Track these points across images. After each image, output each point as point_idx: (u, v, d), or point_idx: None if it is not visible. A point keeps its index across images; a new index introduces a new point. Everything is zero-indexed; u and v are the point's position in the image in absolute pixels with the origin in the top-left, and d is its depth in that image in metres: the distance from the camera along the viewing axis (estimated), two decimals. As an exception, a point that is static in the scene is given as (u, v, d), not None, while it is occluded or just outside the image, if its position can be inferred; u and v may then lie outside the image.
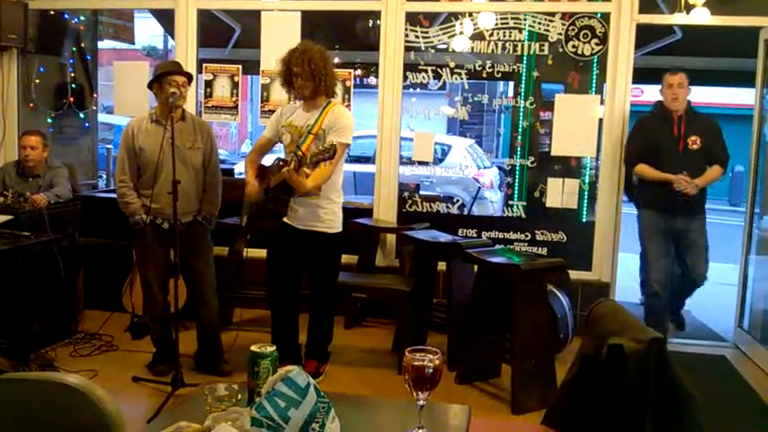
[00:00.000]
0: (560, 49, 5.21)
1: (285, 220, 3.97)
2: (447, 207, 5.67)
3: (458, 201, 5.91)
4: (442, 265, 4.83)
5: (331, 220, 3.98)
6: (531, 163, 5.40)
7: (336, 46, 7.07)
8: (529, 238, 5.39)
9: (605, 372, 2.10)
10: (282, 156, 4.03)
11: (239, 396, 1.71)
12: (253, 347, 1.76)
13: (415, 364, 1.65)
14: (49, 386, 1.66)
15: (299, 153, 3.67)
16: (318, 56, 3.87)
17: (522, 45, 5.27)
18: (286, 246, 4.03)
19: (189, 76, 4.10)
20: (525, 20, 5.24)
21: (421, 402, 1.67)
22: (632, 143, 4.86)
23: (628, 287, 5.79)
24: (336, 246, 4.09)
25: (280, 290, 4.12)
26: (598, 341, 2.21)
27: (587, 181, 5.32)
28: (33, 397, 1.68)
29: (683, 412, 2.00)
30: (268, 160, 4.18)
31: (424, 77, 5.43)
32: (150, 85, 4.07)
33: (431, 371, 1.64)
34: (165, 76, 3.99)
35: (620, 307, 2.36)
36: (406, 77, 5.41)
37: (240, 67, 5.76)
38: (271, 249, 4.16)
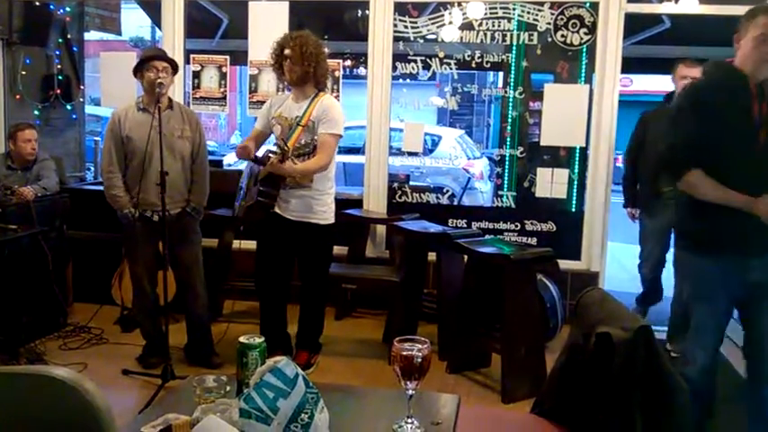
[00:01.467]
0: (549, 39, 5.21)
1: (277, 210, 3.96)
2: (437, 198, 5.67)
3: (448, 191, 5.91)
4: (432, 256, 4.84)
5: (324, 211, 3.98)
6: (521, 153, 5.40)
7: (325, 36, 7.04)
8: (518, 228, 5.40)
9: (593, 360, 2.11)
10: (273, 148, 4.03)
11: (228, 387, 1.71)
12: (241, 339, 1.76)
13: (404, 353, 1.65)
14: (38, 379, 1.65)
15: (285, 147, 3.68)
16: (312, 42, 3.89)
17: (511, 35, 5.26)
18: (277, 237, 4.02)
19: (171, 62, 4.07)
20: (514, 9, 5.23)
21: (410, 392, 1.67)
22: (682, 128, 2.81)
23: (616, 276, 5.83)
24: (329, 237, 4.09)
25: (269, 281, 4.12)
26: (586, 330, 2.22)
27: (576, 171, 5.33)
28: (21, 391, 1.68)
29: (671, 400, 2.01)
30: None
31: (413, 68, 5.41)
32: (135, 74, 4.06)
33: (419, 360, 1.65)
34: (146, 62, 3.98)
35: (608, 295, 2.37)
36: (395, 68, 5.40)
37: (228, 57, 5.73)
38: (261, 240, 4.15)
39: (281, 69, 3.96)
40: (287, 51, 3.86)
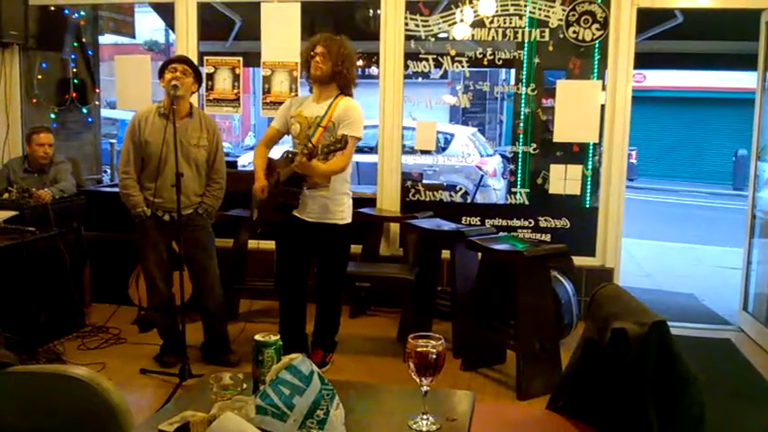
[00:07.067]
0: (561, 35, 5.20)
1: (295, 213, 3.98)
2: (450, 195, 5.67)
3: (461, 189, 5.91)
4: (445, 254, 4.84)
5: (342, 211, 4.00)
6: (534, 150, 5.40)
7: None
8: (532, 224, 5.40)
9: (608, 355, 2.11)
10: (290, 148, 4.05)
11: (244, 385, 1.72)
12: (257, 337, 1.78)
13: (419, 350, 1.66)
14: (57, 378, 1.68)
15: (310, 145, 3.69)
16: (349, 46, 3.94)
17: (523, 32, 5.25)
18: (296, 238, 4.04)
19: (194, 68, 4.10)
20: (525, 6, 5.22)
21: (425, 388, 1.68)
22: None
23: (631, 272, 5.80)
24: (347, 236, 4.11)
25: (289, 281, 4.14)
26: (601, 325, 2.22)
27: (590, 167, 5.31)
28: (42, 389, 1.70)
29: (684, 394, 2.01)
30: (276, 152, 4.20)
31: (425, 66, 5.42)
32: (160, 78, 4.11)
33: (434, 356, 1.66)
34: (167, 65, 4.03)
35: (623, 291, 2.37)
36: (407, 66, 5.41)
37: (241, 59, 5.76)
38: (280, 241, 4.17)
39: (308, 66, 3.97)
40: (318, 49, 3.87)
